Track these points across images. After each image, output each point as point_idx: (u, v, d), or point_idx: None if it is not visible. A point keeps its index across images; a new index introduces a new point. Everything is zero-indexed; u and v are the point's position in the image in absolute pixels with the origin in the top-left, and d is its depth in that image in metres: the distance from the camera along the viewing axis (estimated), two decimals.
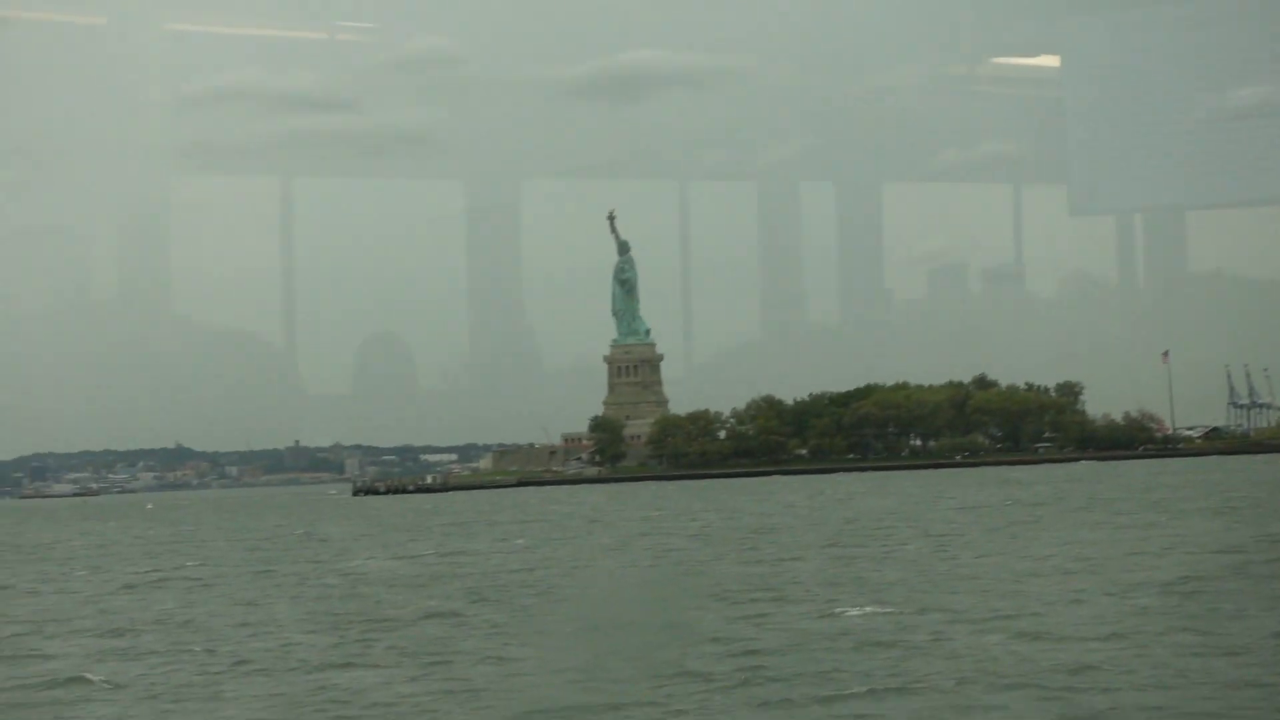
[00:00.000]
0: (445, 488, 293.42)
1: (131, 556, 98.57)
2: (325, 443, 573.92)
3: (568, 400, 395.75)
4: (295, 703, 34.36)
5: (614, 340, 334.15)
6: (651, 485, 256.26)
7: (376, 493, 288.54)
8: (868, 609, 45.62)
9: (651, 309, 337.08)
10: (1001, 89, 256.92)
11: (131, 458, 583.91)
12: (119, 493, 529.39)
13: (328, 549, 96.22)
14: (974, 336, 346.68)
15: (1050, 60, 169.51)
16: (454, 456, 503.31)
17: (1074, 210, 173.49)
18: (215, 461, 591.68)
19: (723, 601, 50.33)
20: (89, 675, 39.16)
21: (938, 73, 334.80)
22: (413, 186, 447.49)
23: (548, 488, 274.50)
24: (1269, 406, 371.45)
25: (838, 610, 45.96)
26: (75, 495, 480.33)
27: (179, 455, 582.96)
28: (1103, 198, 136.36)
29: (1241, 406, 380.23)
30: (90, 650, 45.18)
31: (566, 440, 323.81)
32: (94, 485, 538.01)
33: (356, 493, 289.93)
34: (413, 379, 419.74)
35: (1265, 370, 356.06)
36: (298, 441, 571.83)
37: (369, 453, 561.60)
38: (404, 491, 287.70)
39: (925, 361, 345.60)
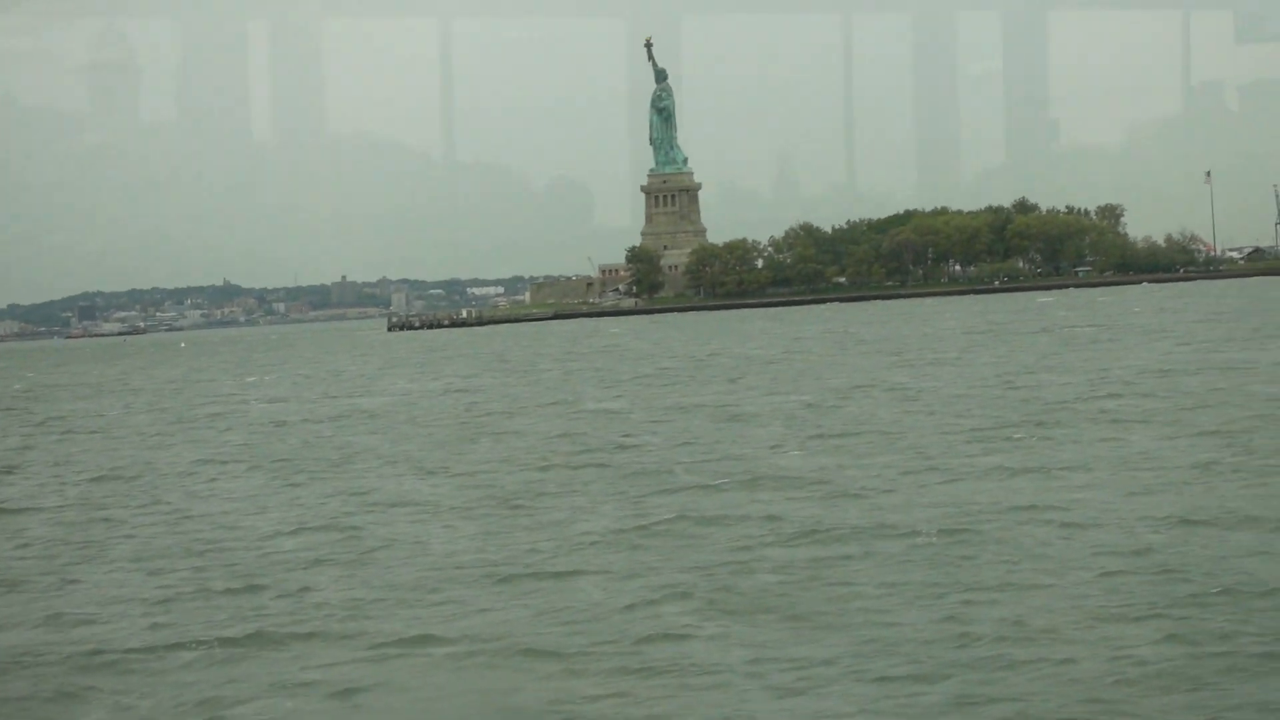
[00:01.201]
0: (480, 322, 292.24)
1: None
2: (372, 278, 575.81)
3: (610, 231, 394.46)
4: None
5: (651, 169, 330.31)
6: (676, 316, 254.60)
7: (412, 328, 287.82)
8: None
9: (694, 136, 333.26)
10: None
11: (179, 295, 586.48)
12: (166, 330, 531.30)
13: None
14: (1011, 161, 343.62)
15: None
16: (500, 289, 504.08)
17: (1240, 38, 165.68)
18: (262, 298, 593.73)
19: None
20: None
21: None
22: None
23: (582, 319, 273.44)
24: None
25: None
26: (120, 335, 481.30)
27: (226, 292, 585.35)
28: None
29: None
30: None
31: (604, 271, 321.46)
32: (141, 324, 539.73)
33: (391, 328, 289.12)
34: (459, 213, 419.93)
35: None
36: (344, 276, 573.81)
37: (416, 286, 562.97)
38: (439, 326, 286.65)
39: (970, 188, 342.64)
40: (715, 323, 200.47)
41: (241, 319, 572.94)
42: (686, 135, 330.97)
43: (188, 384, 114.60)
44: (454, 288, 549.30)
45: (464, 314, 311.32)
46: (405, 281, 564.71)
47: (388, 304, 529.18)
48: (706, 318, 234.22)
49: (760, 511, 30.94)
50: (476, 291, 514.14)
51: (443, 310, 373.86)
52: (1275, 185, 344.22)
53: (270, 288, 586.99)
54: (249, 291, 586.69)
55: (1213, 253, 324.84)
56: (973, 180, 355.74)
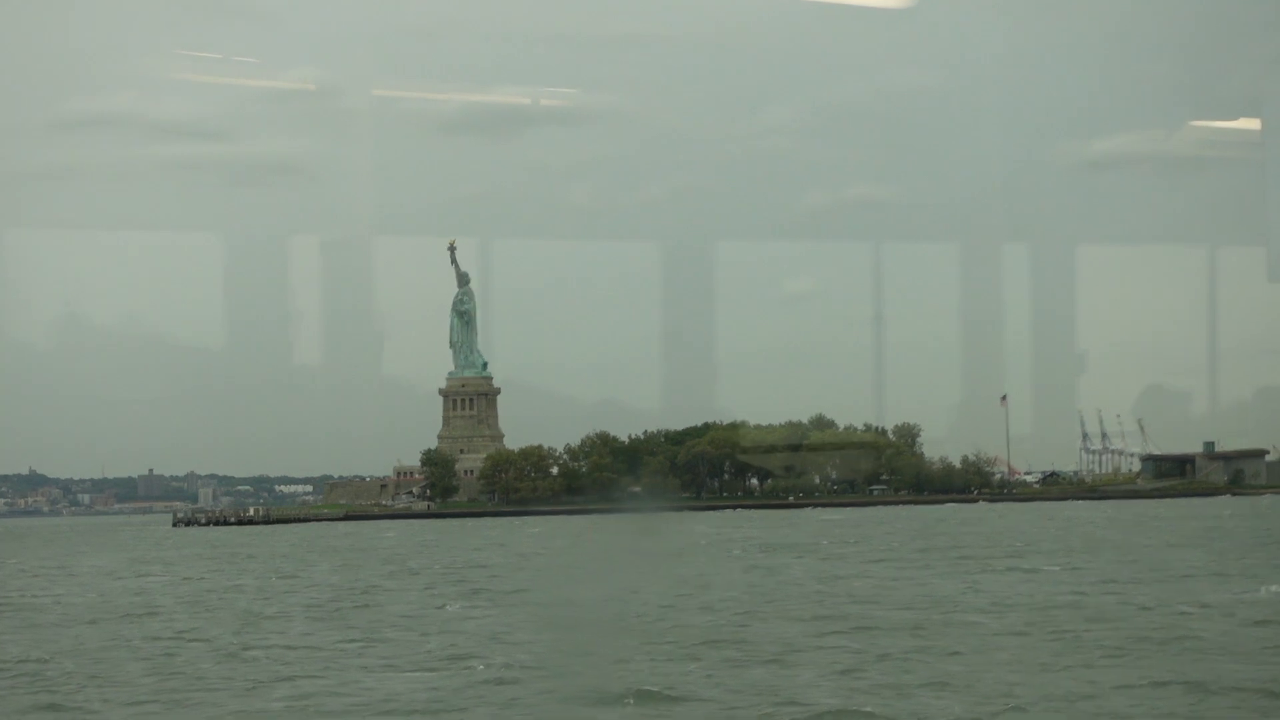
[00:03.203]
0: (268, 520, 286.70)
1: None
2: (180, 471, 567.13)
3: (415, 431, 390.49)
4: None
5: (450, 373, 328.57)
6: (432, 522, 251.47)
7: (197, 524, 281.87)
8: None
9: (496, 338, 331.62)
10: None
11: None
12: None
13: None
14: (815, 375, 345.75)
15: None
16: (309, 488, 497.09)
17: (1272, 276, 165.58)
18: (68, 489, 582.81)
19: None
20: None
21: None
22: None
23: (372, 521, 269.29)
24: (1121, 452, 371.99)
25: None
26: None
27: (32, 481, 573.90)
28: None
29: (1094, 451, 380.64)
30: None
31: (399, 473, 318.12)
32: None
33: (176, 524, 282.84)
34: (268, 410, 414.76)
35: (1118, 415, 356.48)
36: (151, 470, 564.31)
37: (224, 482, 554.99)
38: (225, 524, 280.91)
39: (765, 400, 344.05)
40: (476, 529, 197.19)
41: (45, 509, 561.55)
42: (489, 338, 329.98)
43: None
44: (262, 484, 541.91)
45: (251, 511, 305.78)
46: (214, 477, 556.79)
47: (195, 498, 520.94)
48: (486, 523, 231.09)
49: None
50: (285, 489, 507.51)
51: (222, 509, 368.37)
52: (1079, 410, 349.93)
53: (77, 478, 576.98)
54: (54, 481, 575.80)
55: (1014, 475, 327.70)
56: (773, 394, 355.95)
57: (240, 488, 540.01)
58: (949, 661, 40.13)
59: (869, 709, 33.22)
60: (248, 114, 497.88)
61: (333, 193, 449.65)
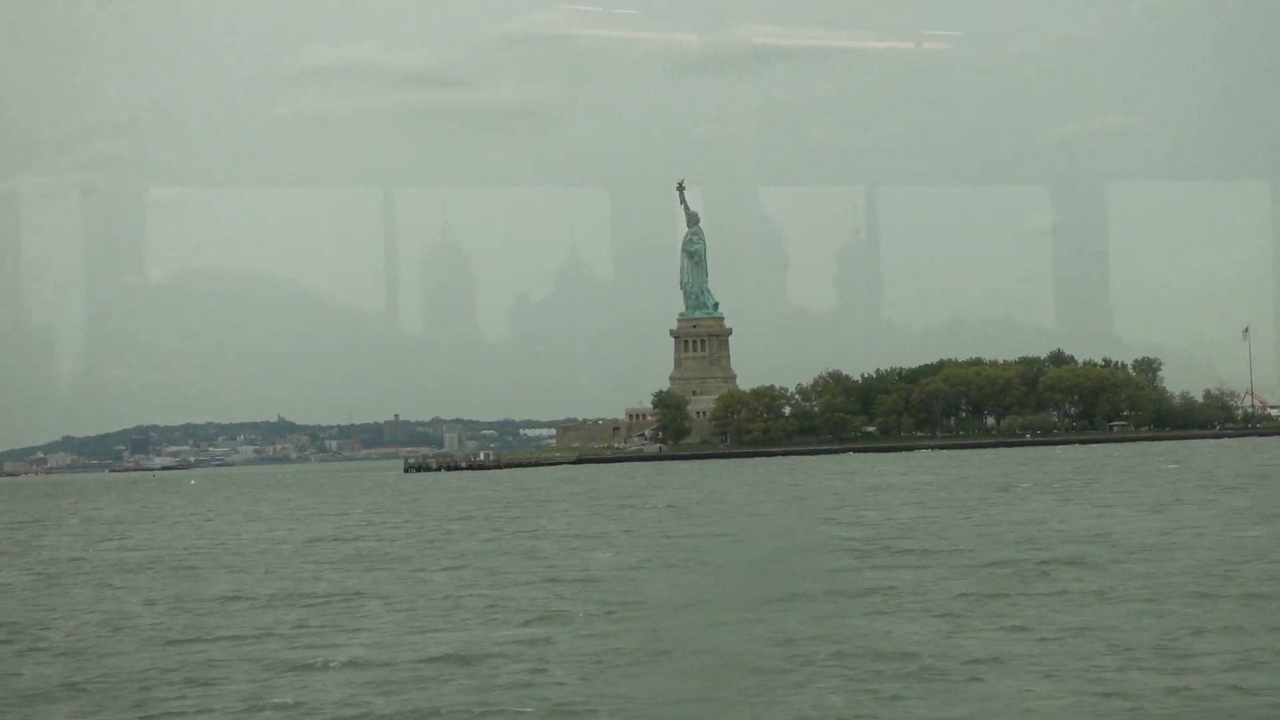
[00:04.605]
0: (499, 465, 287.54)
1: None
2: (425, 417, 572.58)
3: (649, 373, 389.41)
4: None
5: (681, 314, 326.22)
6: (698, 462, 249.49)
7: (429, 469, 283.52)
8: None
9: (726, 282, 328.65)
10: None
11: (232, 430, 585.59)
12: (217, 465, 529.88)
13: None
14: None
15: None
16: (552, 431, 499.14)
17: None
18: (315, 435, 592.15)
19: None
20: None
21: None
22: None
23: (604, 465, 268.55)
24: None
25: None
26: (164, 469, 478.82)
27: (280, 429, 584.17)
28: None
29: None
30: None
31: (631, 416, 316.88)
32: (191, 459, 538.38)
33: (408, 469, 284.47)
34: (510, 355, 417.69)
35: None
36: (397, 415, 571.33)
37: (469, 426, 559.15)
38: (456, 469, 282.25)
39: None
40: (703, 471, 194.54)
41: (293, 455, 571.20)
42: (721, 279, 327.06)
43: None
44: (507, 428, 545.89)
45: (481, 456, 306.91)
46: (459, 421, 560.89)
47: (441, 443, 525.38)
48: (718, 465, 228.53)
49: None
50: (529, 433, 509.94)
51: (502, 450, 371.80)
52: None
53: (324, 425, 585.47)
54: (302, 428, 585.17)
55: (1265, 408, 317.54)
56: (1010, 329, 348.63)
57: (485, 432, 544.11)
58: None
59: None
60: (487, 60, 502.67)
61: (569, 137, 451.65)
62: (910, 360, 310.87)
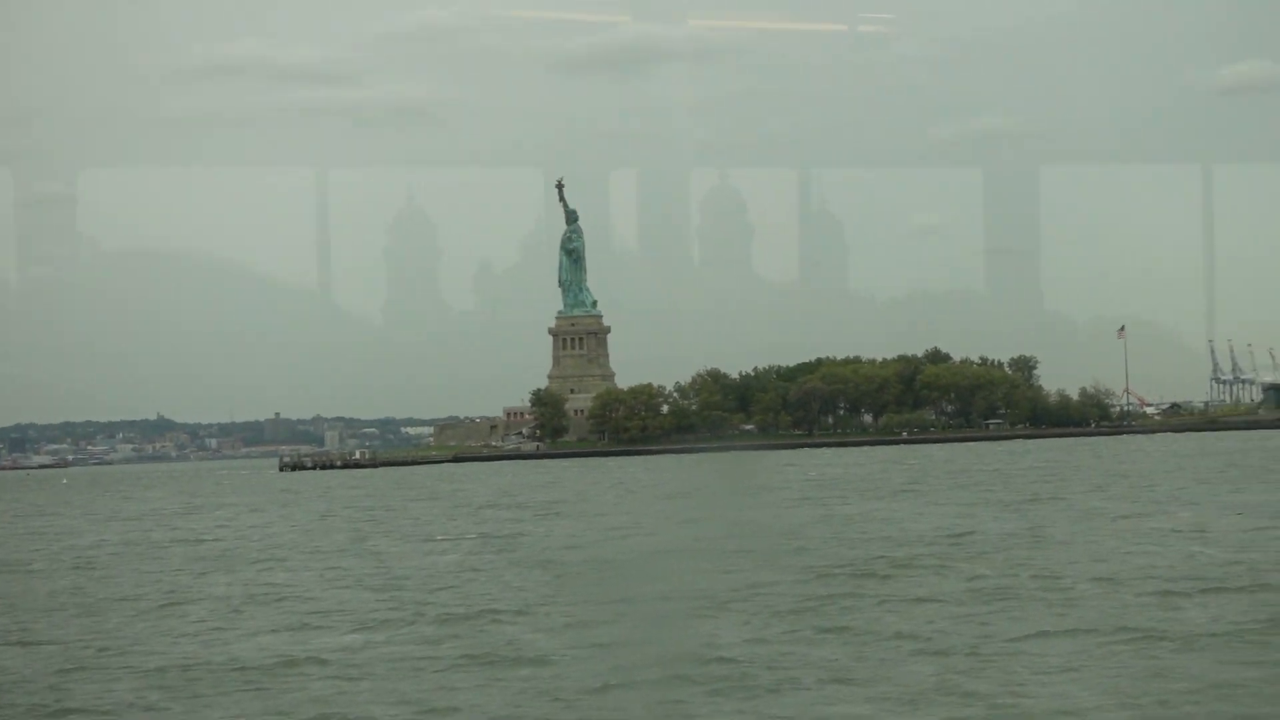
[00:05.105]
0: (374, 463, 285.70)
1: None
2: (307, 415, 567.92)
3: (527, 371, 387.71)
4: None
5: (559, 312, 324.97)
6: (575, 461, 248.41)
7: (304, 468, 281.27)
8: None
9: (603, 279, 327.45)
10: None
11: (112, 429, 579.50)
12: (96, 464, 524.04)
13: None
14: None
15: None
16: (431, 430, 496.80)
17: None
18: (195, 433, 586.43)
19: None
20: None
21: None
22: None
23: (479, 463, 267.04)
24: (1251, 381, 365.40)
25: None
26: (41, 468, 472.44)
27: (159, 426, 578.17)
28: None
29: (1223, 382, 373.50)
30: None
31: (509, 414, 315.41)
32: (70, 457, 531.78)
33: (283, 468, 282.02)
34: (391, 352, 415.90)
35: (1249, 346, 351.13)
36: (278, 414, 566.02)
37: (350, 424, 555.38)
38: (331, 467, 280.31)
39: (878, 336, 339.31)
40: (575, 469, 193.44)
41: (173, 454, 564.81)
42: (600, 277, 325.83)
43: None
44: (389, 426, 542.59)
45: (357, 455, 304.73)
46: (340, 419, 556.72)
47: (321, 442, 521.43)
48: (595, 463, 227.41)
49: None
50: (410, 431, 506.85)
51: (384, 449, 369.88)
52: (1210, 340, 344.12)
53: (204, 423, 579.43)
54: (182, 426, 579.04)
55: (1142, 406, 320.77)
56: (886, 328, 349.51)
57: (367, 430, 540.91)
58: None
59: None
60: (370, 58, 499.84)
61: (448, 133, 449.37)
62: (790, 358, 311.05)
